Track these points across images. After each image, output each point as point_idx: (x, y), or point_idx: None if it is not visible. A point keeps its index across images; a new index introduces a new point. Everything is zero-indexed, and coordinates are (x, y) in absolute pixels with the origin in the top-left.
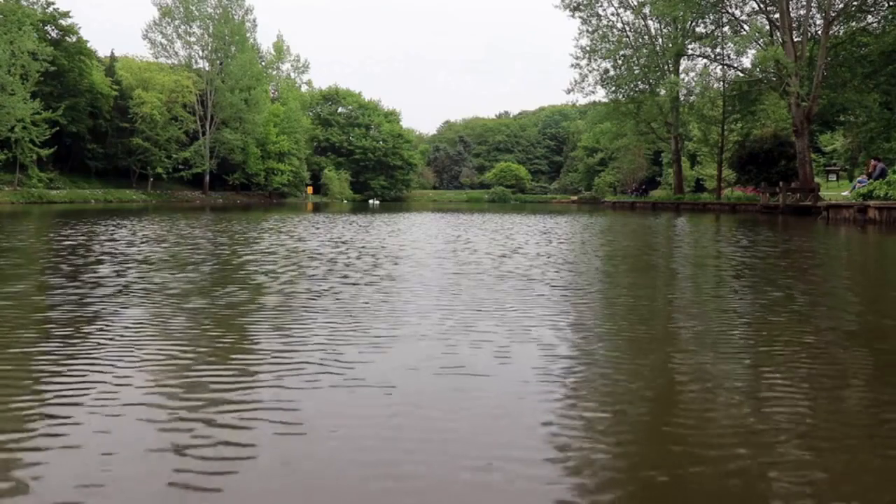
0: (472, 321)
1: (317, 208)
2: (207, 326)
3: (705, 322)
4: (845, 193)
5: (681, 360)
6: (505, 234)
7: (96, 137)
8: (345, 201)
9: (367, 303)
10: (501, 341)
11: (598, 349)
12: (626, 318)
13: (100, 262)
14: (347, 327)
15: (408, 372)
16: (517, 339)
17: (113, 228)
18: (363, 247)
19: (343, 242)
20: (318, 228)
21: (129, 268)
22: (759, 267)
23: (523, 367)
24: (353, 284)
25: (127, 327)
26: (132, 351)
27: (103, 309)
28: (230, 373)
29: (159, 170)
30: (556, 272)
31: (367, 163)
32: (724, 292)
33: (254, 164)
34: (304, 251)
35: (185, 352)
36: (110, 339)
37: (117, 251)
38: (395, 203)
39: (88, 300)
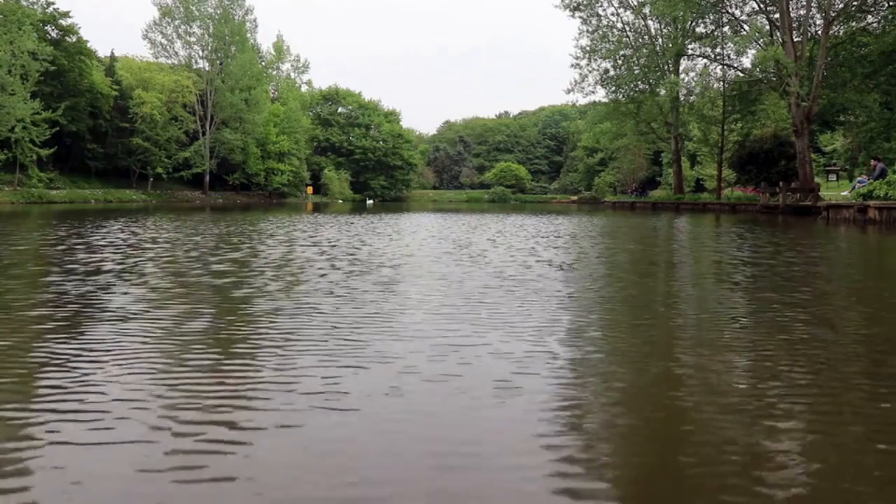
0: (471, 378)
1: (316, 208)
2: (108, 363)
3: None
4: (845, 193)
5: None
6: (508, 236)
7: (96, 137)
8: (340, 201)
9: (341, 339)
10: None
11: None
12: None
13: (41, 273)
14: (309, 373)
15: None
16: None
17: (92, 230)
18: (355, 254)
19: (335, 248)
20: (310, 231)
21: (72, 281)
22: (802, 277)
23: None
24: (331, 306)
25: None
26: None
27: None
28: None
29: (159, 170)
30: (581, 292)
31: (367, 163)
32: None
33: (254, 164)
34: (290, 260)
35: (64, 401)
36: None
37: (73, 259)
38: (395, 203)
39: None
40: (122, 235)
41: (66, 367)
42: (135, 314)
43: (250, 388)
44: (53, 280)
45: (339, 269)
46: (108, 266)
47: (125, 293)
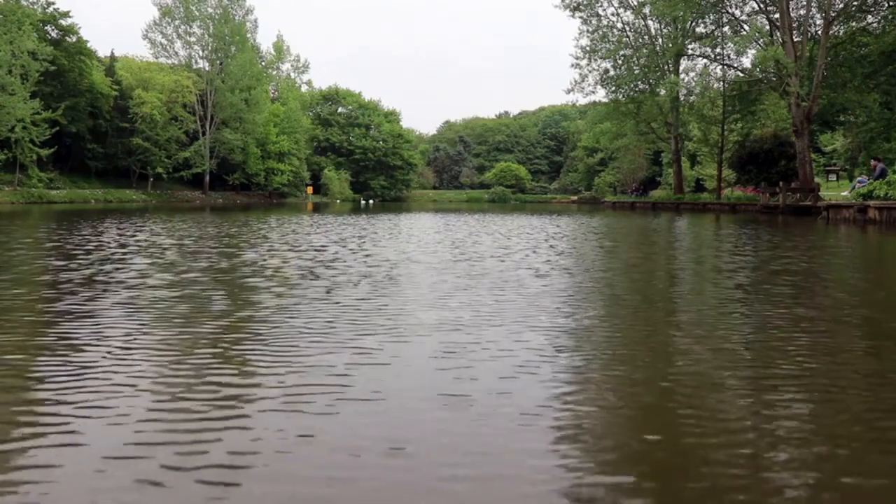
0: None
1: (316, 208)
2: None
3: None
4: (845, 193)
5: None
6: (514, 239)
7: (96, 137)
8: (339, 202)
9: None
10: None
11: None
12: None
13: None
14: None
15: None
16: None
17: (74, 233)
18: (340, 262)
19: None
20: (304, 234)
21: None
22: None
23: None
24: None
25: None
26: None
27: None
28: None
29: (159, 170)
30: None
31: (367, 163)
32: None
33: (254, 164)
34: (269, 269)
35: None
36: None
37: (27, 266)
38: (395, 203)
39: None
40: (104, 238)
41: None
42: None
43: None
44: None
45: (323, 280)
46: (61, 276)
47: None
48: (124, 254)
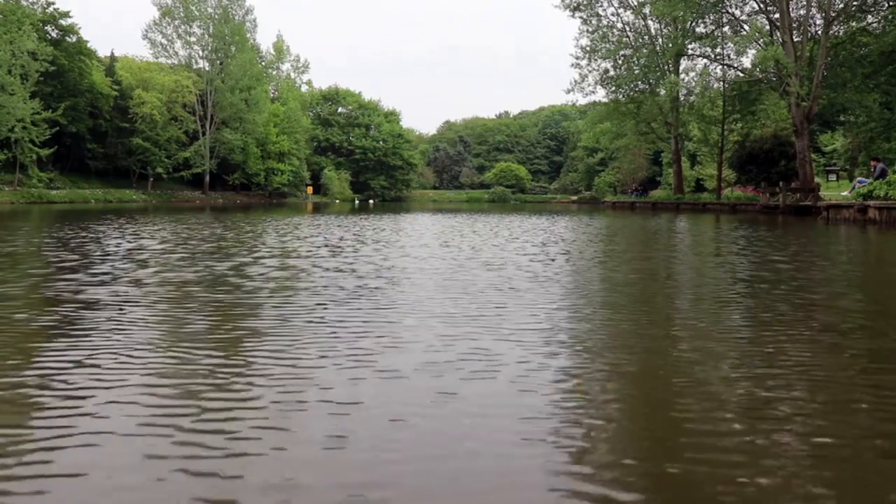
0: None
1: (316, 208)
2: None
3: None
4: (845, 193)
5: None
6: (521, 242)
7: (96, 137)
8: (338, 202)
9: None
10: None
11: None
12: None
13: None
14: None
15: None
16: None
17: (51, 235)
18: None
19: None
20: (292, 237)
21: None
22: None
23: None
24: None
25: None
26: None
27: None
28: None
29: (159, 170)
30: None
31: (367, 163)
32: None
33: (254, 164)
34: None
35: None
36: None
37: None
38: (395, 203)
39: None
40: (75, 242)
41: None
42: None
43: None
44: None
45: (314, 293)
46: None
47: None
48: (92, 260)
